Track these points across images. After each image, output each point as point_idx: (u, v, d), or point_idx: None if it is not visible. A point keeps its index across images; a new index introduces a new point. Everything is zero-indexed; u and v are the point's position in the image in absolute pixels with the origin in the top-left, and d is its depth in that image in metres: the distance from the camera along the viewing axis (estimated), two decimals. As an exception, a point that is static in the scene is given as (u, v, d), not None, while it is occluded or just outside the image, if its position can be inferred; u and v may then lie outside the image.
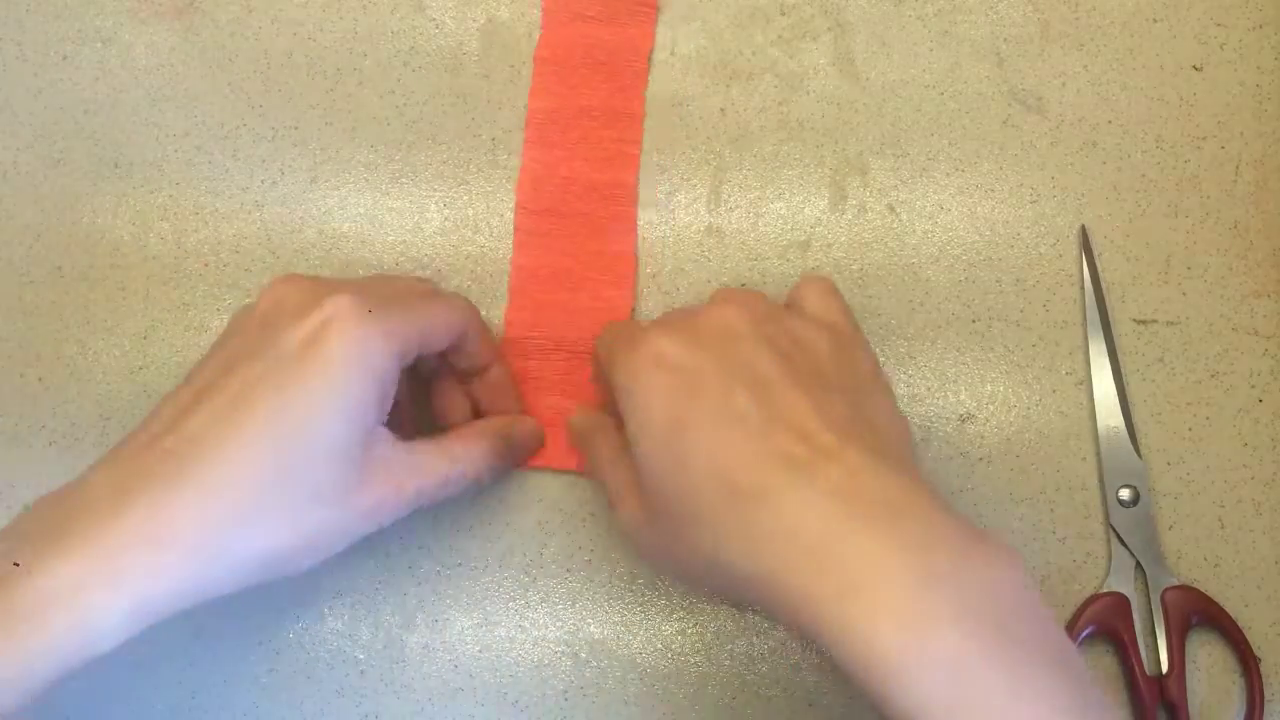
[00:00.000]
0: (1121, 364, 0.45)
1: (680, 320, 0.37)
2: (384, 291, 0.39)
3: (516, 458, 0.44)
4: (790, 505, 0.31)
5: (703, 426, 0.33)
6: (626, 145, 0.47)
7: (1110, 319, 0.45)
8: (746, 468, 0.32)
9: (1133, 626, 0.42)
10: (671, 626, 0.43)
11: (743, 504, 0.32)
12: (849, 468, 0.31)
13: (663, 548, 0.36)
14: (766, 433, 0.33)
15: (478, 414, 0.44)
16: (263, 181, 0.48)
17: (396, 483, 0.37)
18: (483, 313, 0.46)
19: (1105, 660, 0.42)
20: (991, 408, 0.45)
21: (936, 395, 0.45)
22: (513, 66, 0.49)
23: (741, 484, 0.32)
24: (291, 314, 0.36)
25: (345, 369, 0.35)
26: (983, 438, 0.45)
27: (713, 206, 0.47)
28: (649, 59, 0.48)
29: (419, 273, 0.47)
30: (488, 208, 0.47)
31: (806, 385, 0.34)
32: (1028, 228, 0.46)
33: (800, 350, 0.36)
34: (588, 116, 0.47)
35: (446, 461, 0.39)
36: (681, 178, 0.47)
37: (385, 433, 0.37)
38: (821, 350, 0.37)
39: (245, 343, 0.36)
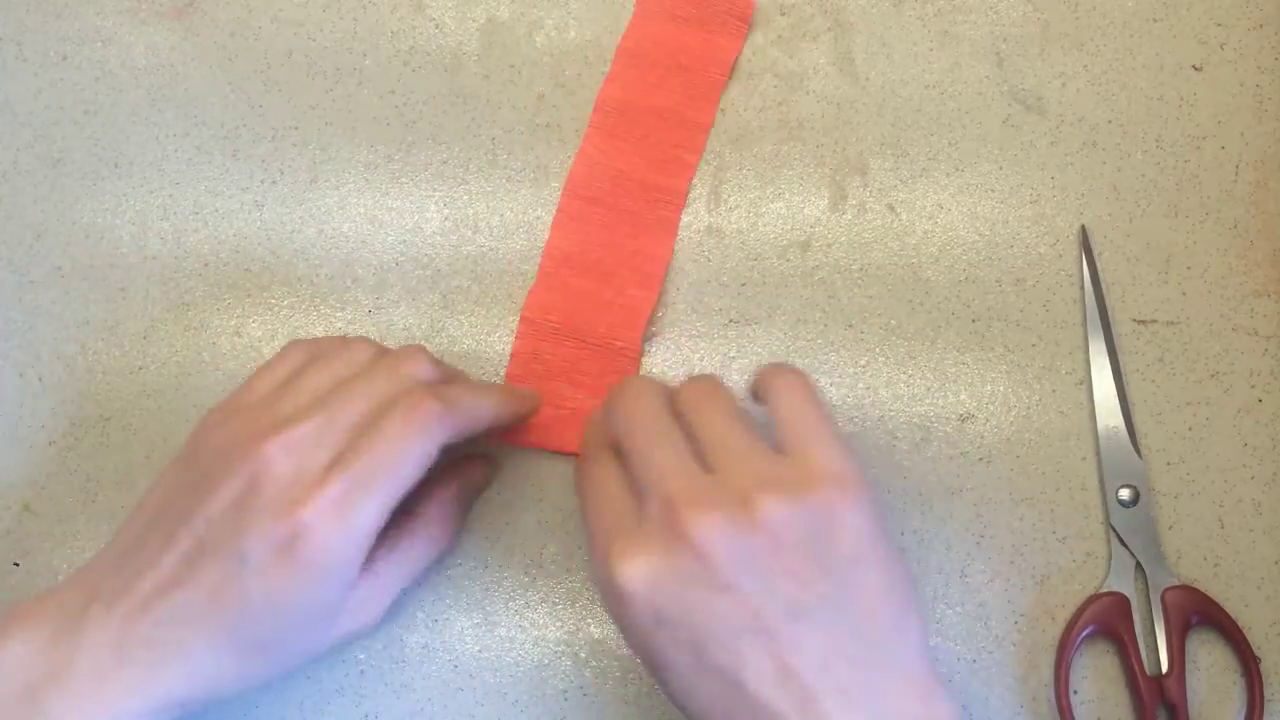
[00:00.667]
0: (1121, 364, 0.45)
1: (664, 532, 0.34)
2: (364, 436, 0.37)
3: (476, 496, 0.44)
4: None
5: (682, 673, 0.34)
6: (686, 153, 0.47)
7: (1110, 319, 0.45)
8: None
9: (1133, 626, 0.42)
10: (671, 626, 0.43)
11: None
12: None
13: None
14: (746, 696, 0.33)
15: None
16: (263, 181, 0.48)
17: (384, 593, 0.39)
18: (484, 312, 0.46)
19: (1105, 660, 0.42)
20: (991, 408, 0.45)
21: (936, 395, 0.45)
22: (513, 66, 0.49)
23: None
24: (264, 510, 0.35)
25: (326, 572, 0.35)
26: (983, 438, 0.45)
27: (713, 206, 0.47)
28: (730, 71, 0.48)
29: (418, 273, 0.47)
30: (488, 208, 0.47)
31: (789, 633, 0.33)
32: (1028, 228, 0.46)
33: (781, 561, 0.33)
34: (657, 116, 0.47)
35: (432, 547, 0.41)
36: (681, 178, 0.47)
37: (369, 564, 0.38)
38: (798, 544, 0.34)
39: (214, 519, 0.35)
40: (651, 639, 0.33)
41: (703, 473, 0.35)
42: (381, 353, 0.40)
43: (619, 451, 0.37)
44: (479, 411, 0.39)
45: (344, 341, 0.40)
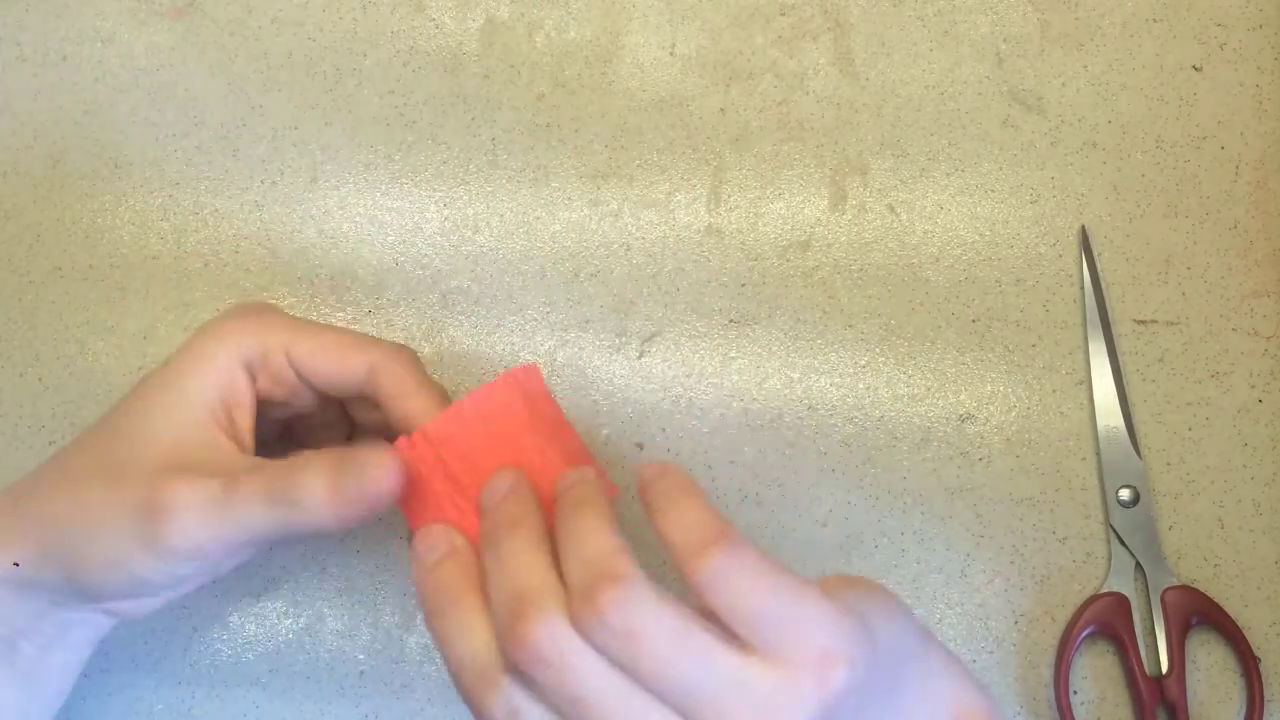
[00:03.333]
0: (1121, 364, 0.45)
1: None
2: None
3: (358, 501, 0.34)
4: None
5: None
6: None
7: (1110, 319, 0.45)
8: None
9: (1133, 626, 0.42)
10: (671, 626, 0.43)
11: None
12: None
13: None
14: None
15: None
16: (263, 181, 0.48)
17: (200, 499, 0.33)
18: (484, 312, 0.46)
19: (1105, 660, 0.42)
20: (991, 408, 0.45)
21: (936, 395, 0.45)
22: (513, 66, 0.49)
23: None
24: None
25: (189, 354, 0.36)
26: (983, 438, 0.45)
27: (713, 206, 0.47)
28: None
29: (418, 273, 0.47)
30: (488, 208, 0.47)
31: None
32: (1028, 228, 0.46)
33: None
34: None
35: (268, 506, 0.34)
36: (681, 178, 0.47)
37: (223, 442, 0.35)
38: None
39: None
40: None
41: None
42: None
43: None
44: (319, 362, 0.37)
45: None
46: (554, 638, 0.28)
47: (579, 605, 0.28)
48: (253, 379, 0.37)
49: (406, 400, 0.36)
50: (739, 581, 0.28)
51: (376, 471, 0.33)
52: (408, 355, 0.38)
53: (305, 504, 0.33)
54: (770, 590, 0.28)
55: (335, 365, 0.37)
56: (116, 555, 0.34)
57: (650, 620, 0.28)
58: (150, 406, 0.36)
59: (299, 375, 0.37)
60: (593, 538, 0.30)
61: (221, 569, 0.36)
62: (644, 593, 0.28)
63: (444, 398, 0.38)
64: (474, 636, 0.30)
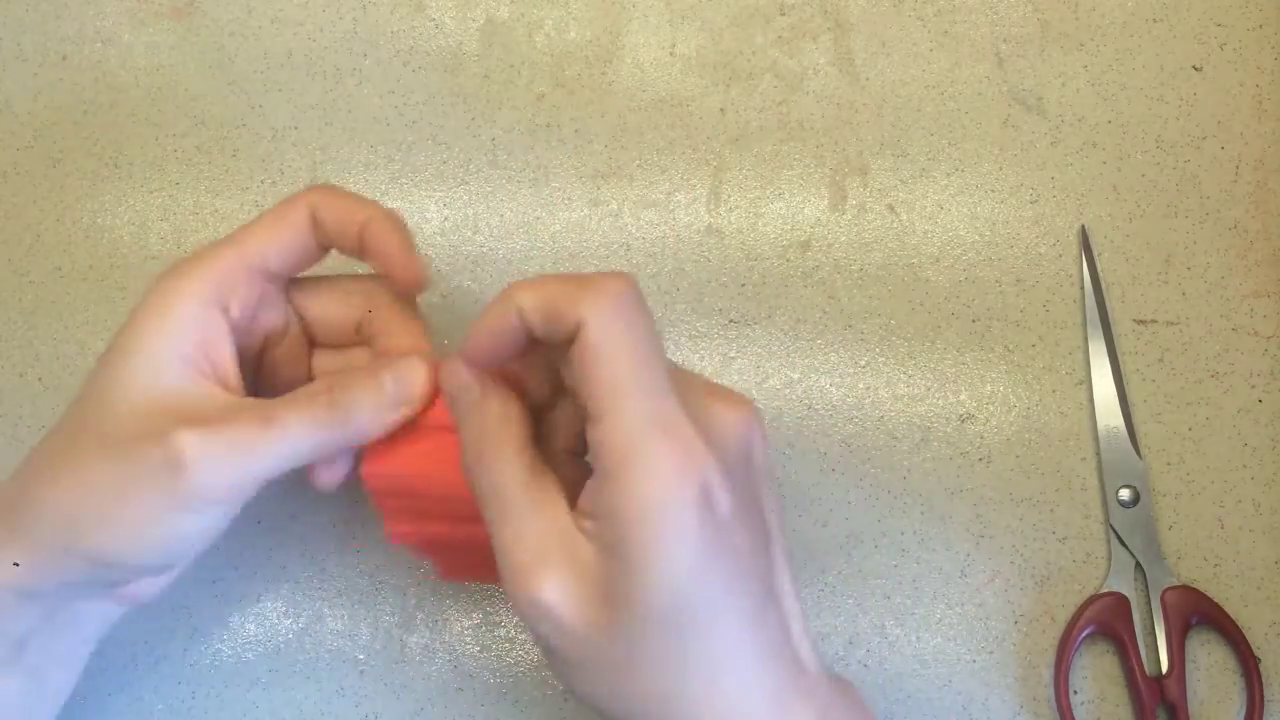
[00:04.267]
0: (1121, 364, 0.45)
1: (714, 445, 0.30)
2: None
3: (351, 430, 0.35)
4: None
5: (727, 621, 0.30)
6: None
7: (1110, 319, 0.45)
8: (747, 695, 0.30)
9: (1133, 626, 0.42)
10: (671, 626, 0.43)
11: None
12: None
13: (608, 664, 0.30)
14: (772, 656, 0.31)
15: None
16: (263, 181, 0.48)
17: (221, 427, 0.33)
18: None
19: (1105, 660, 0.42)
20: (991, 408, 0.45)
21: (936, 395, 0.45)
22: (513, 66, 0.49)
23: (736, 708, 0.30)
24: None
25: (143, 320, 0.34)
26: (983, 438, 0.45)
27: (712, 206, 0.47)
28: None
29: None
30: (488, 208, 0.47)
31: (791, 572, 0.32)
32: (1028, 228, 0.46)
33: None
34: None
35: (258, 425, 0.33)
36: (681, 178, 0.47)
37: (215, 392, 0.34)
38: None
39: None
40: None
41: None
42: None
43: None
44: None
45: None
46: None
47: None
48: (225, 313, 0.35)
49: (392, 261, 0.36)
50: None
51: (413, 374, 0.35)
52: (398, 218, 0.37)
53: (354, 416, 0.34)
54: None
55: (336, 228, 0.36)
56: (145, 524, 0.33)
57: None
58: (128, 373, 0.34)
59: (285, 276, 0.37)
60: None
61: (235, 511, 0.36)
62: None
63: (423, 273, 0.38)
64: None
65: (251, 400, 0.35)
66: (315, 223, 0.36)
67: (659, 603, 0.29)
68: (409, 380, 0.35)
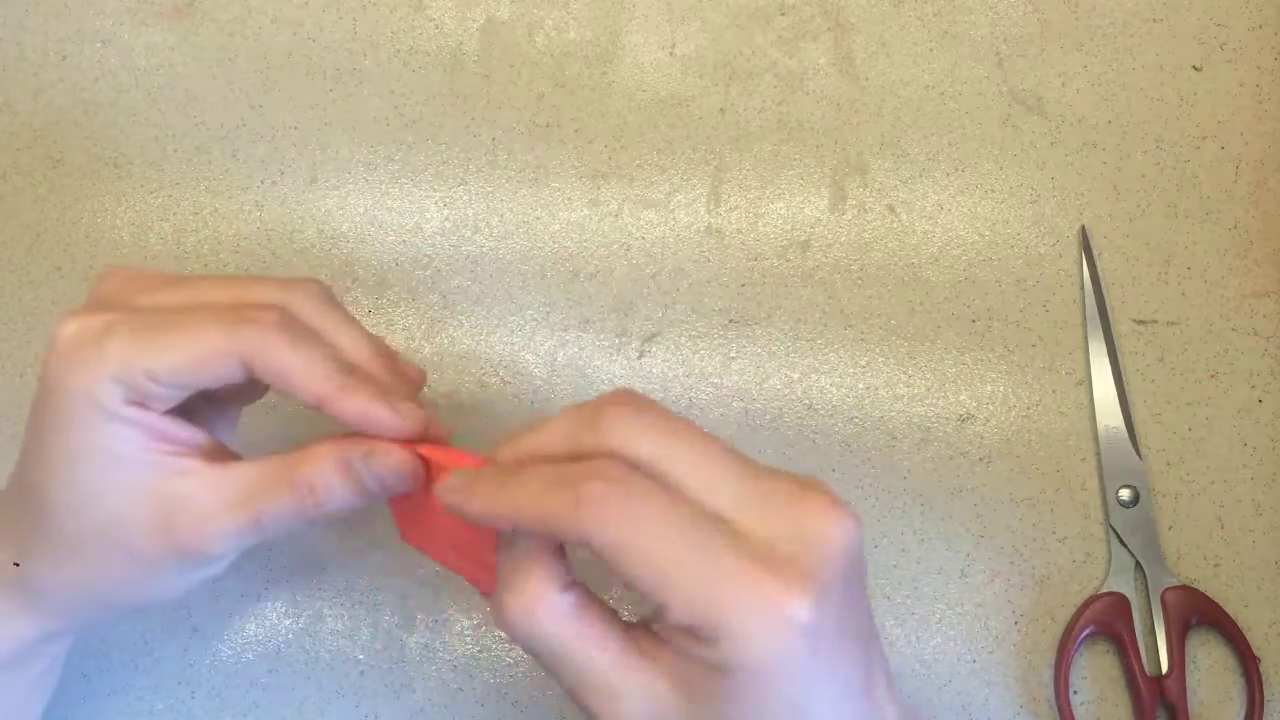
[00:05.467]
0: (1121, 364, 0.45)
1: (810, 567, 0.27)
2: (158, 305, 0.33)
3: (374, 490, 0.34)
4: None
5: None
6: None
7: (1110, 319, 0.45)
8: None
9: (1133, 626, 0.42)
10: (671, 626, 0.43)
11: None
12: None
13: None
14: None
15: None
16: (263, 181, 0.48)
17: (217, 514, 0.33)
18: (484, 312, 0.46)
19: (1105, 660, 0.42)
20: (991, 408, 0.45)
21: (936, 395, 0.45)
22: (513, 66, 0.49)
23: None
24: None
25: (58, 410, 0.33)
26: (983, 438, 0.45)
27: (712, 206, 0.47)
28: None
29: (418, 273, 0.47)
30: (488, 208, 0.47)
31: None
32: (1028, 228, 0.46)
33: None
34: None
35: (288, 487, 0.33)
36: (681, 178, 0.47)
37: (189, 464, 0.33)
38: None
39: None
40: None
41: None
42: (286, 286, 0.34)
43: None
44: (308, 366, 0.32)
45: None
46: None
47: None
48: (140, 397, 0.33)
49: (295, 384, 0.32)
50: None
51: (389, 458, 0.33)
52: (284, 319, 0.33)
53: (323, 495, 0.33)
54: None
55: (202, 378, 0.32)
56: (149, 587, 0.35)
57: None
58: (76, 481, 0.33)
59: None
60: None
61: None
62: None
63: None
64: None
65: (240, 472, 0.33)
66: (247, 368, 0.32)
67: None
68: (382, 468, 0.33)
